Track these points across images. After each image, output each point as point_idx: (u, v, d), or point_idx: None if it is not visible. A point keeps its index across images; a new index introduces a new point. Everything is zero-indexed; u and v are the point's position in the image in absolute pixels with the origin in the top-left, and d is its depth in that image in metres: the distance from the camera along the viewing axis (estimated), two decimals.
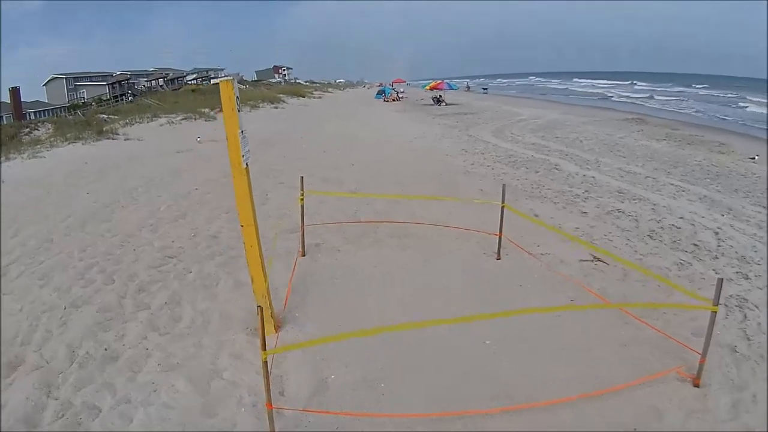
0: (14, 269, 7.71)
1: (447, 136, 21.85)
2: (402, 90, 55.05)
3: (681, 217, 9.91)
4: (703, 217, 10.01)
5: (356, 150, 18.04)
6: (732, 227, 9.46)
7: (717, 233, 9.10)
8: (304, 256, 8.03)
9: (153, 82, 52.15)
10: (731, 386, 4.85)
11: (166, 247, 8.45)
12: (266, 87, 64.16)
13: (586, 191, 11.93)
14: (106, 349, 5.47)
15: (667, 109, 42.13)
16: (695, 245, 8.53)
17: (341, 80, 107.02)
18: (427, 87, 48.93)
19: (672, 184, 12.68)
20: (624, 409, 4.52)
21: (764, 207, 10.77)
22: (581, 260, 7.74)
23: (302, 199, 7.85)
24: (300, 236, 8.16)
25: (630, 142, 20.13)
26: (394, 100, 49.39)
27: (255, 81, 75.02)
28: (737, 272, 7.49)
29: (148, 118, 27.42)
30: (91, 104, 40.37)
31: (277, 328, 5.89)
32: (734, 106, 43.94)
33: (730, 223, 9.66)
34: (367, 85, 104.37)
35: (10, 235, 9.25)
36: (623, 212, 10.26)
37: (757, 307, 6.42)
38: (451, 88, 47.48)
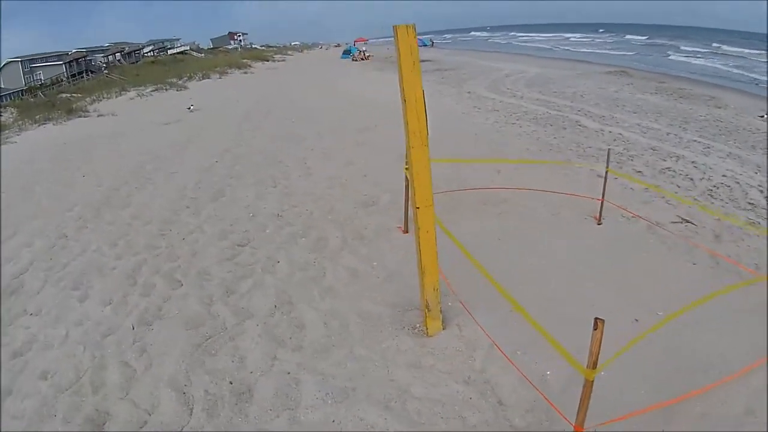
0: (32, 279, 5.82)
1: (446, 93, 20.04)
2: (364, 48, 52.57)
3: (724, 175, 9.02)
4: (741, 174, 9.13)
5: (371, 110, 16.07)
6: None
7: (762, 191, 8.25)
8: (406, 232, 6.43)
9: (110, 57, 48.12)
10: None
11: (226, 233, 6.68)
12: (224, 54, 60.41)
13: (626, 149, 10.81)
14: (231, 383, 3.81)
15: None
16: (751, 204, 7.65)
17: (296, 42, 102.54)
18: None
19: (695, 141, 11.79)
20: None
21: None
22: (672, 222, 6.79)
23: (408, 168, 6.11)
24: (403, 211, 6.58)
25: (627, 96, 19.07)
26: (362, 59, 47.05)
27: (211, 48, 70.23)
28: None
29: (116, 92, 24.69)
30: (49, 85, 36.48)
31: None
32: (663, 55, 44.18)
33: None
34: (323, 46, 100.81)
35: (6, 236, 7.20)
36: (674, 171, 9.26)
37: None
38: (423, 45, 45.43)
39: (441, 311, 4.34)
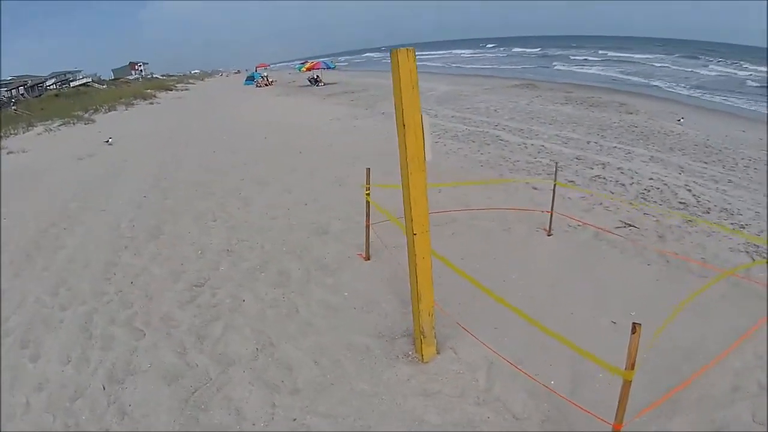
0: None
1: (360, 115, 19.98)
2: (266, 74, 52.20)
3: (651, 179, 9.78)
4: (666, 176, 9.98)
5: (292, 136, 15.79)
6: (696, 183, 9.51)
7: (690, 190, 9.07)
8: (368, 259, 6.34)
9: (13, 91, 44.25)
10: None
11: (178, 273, 6.23)
12: (126, 84, 57.50)
13: (552, 161, 11.26)
14: None
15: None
16: (682, 203, 8.39)
17: (196, 71, 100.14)
18: (303, 68, 46.58)
19: (616, 147, 12.70)
20: None
21: (704, 162, 11.18)
22: (616, 227, 7.22)
23: (368, 194, 6.05)
24: (360, 237, 6.55)
25: (539, 107, 20.06)
26: (266, 84, 46.68)
27: (113, 80, 66.55)
28: (732, 223, 7.40)
29: (23, 128, 22.53)
30: None
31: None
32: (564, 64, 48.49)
33: (693, 180, 9.75)
34: (223, 74, 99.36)
35: None
36: (604, 178, 9.88)
37: None
38: (328, 68, 45.91)
39: (435, 336, 4.30)
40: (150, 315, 5.21)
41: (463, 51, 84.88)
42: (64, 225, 8.38)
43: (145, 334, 4.88)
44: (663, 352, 4.22)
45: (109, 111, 28.70)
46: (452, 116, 18.20)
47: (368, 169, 6.01)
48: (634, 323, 2.64)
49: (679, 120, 16.82)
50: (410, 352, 4.38)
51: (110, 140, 16.33)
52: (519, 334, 4.52)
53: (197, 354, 4.51)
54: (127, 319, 5.19)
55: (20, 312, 5.53)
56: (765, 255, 6.13)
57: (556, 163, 7.47)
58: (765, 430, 3.42)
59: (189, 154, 13.86)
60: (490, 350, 4.27)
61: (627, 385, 2.82)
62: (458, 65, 58.13)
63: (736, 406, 3.63)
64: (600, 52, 60.33)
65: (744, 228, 7.03)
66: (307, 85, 40.75)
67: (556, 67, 45.30)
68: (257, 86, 46.64)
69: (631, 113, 18.09)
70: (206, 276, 6.13)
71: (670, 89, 29.24)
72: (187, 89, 52.83)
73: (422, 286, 4.00)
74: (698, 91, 28.59)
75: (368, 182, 5.95)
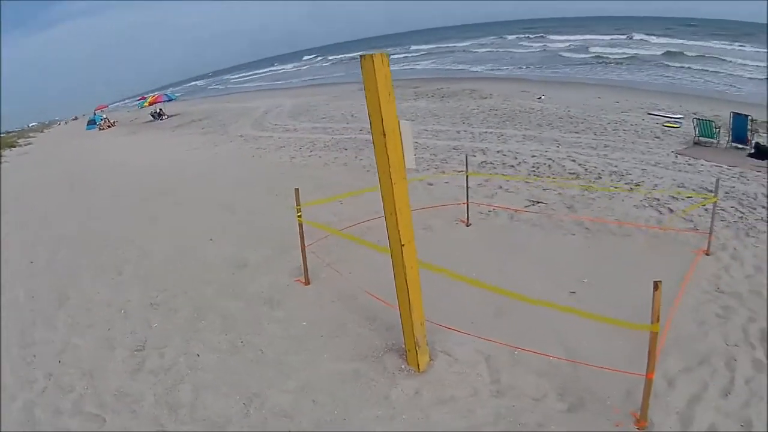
0: None
1: (218, 141, 18.77)
2: (105, 116, 48.65)
3: (533, 156, 10.53)
4: (547, 151, 10.84)
5: (160, 173, 14.20)
6: (577, 153, 10.52)
7: (574, 161, 9.96)
8: (308, 284, 6.06)
9: None
10: None
11: (110, 340, 5.43)
12: None
13: (433, 154, 11.61)
14: None
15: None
16: (572, 173, 9.18)
17: (33, 123, 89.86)
18: (146, 104, 44.06)
19: (487, 132, 13.40)
20: None
21: (576, 132, 12.41)
22: (526, 206, 7.76)
23: (300, 216, 5.82)
24: (301, 261, 6.14)
25: (398, 108, 20.48)
26: (108, 126, 43.57)
27: None
28: (626, 183, 8.37)
29: None
30: None
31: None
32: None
33: (573, 151, 10.74)
34: (61, 123, 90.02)
35: None
36: (491, 163, 10.39)
37: None
38: (170, 99, 43.96)
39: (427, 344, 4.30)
40: (100, 395, 4.47)
41: (284, 66, 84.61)
42: None
43: (105, 420, 4.18)
44: (632, 309, 4.64)
45: None
46: (313, 127, 17.92)
47: (297, 189, 5.84)
48: (655, 281, 2.94)
49: (539, 97, 18.39)
50: (403, 366, 4.31)
51: None
52: (497, 324, 4.71)
53: (178, 425, 3.99)
54: (75, 405, 4.39)
55: None
56: (667, 206, 7.09)
57: (466, 155, 7.86)
58: (737, 347, 4.00)
59: (65, 207, 12.14)
60: (484, 342, 4.39)
61: (654, 336, 3.10)
62: (287, 80, 57.52)
63: (709, 337, 4.16)
64: (413, 47, 64.19)
65: (639, 185, 8.04)
66: (151, 120, 38.72)
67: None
68: (100, 129, 43.18)
69: (485, 98, 19.12)
70: (143, 337, 5.42)
71: (506, 69, 32.51)
72: (30, 143, 46.72)
73: (414, 297, 3.97)
74: (528, 67, 32.21)
75: (298, 203, 5.75)
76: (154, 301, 6.22)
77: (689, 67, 26.45)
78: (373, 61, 3.22)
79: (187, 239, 8.08)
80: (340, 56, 73.90)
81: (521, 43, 49.88)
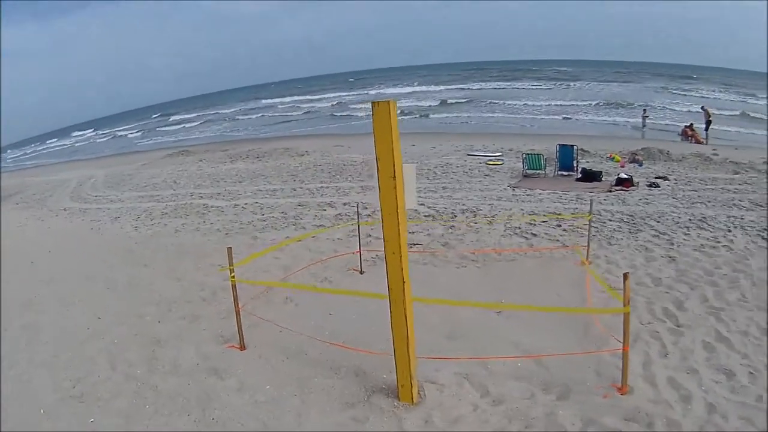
0: None
1: (43, 216, 14.80)
2: None
3: (362, 202, 11.06)
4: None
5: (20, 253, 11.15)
6: (424, 198, 11.53)
7: (423, 204, 10.84)
8: (244, 348, 5.57)
9: None
10: None
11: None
12: None
13: (283, 213, 11.69)
14: None
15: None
16: (427, 216, 10.17)
17: None
18: None
19: (324, 187, 13.90)
20: None
21: (430, 180, 13.62)
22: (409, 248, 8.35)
23: (233, 277, 5.45)
24: (218, 325, 5.91)
25: (212, 170, 19.68)
26: None
27: None
28: (484, 216, 9.86)
29: None
30: None
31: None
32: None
33: (420, 196, 11.16)
34: None
35: None
36: (347, 214, 10.85)
37: None
38: None
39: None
40: None
41: (63, 142, 75.46)
42: None
43: None
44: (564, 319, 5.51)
45: None
46: (139, 196, 16.49)
47: (230, 248, 5.52)
48: (624, 273, 3.85)
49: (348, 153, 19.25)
50: (395, 403, 4.35)
51: None
52: (455, 346, 5.17)
53: None
54: None
55: None
56: (530, 231, 8.51)
57: (357, 204, 8.29)
58: (651, 323, 5.16)
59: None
60: (456, 363, 4.76)
61: (627, 316, 4.01)
62: (79, 154, 51.30)
63: None
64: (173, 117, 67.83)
65: (494, 217, 9.40)
66: None
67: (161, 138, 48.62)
68: None
69: (302, 155, 19.79)
70: None
71: (309, 128, 35.56)
72: None
73: (411, 332, 4.17)
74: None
75: (231, 263, 5.44)
76: (72, 393, 4.94)
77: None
78: (389, 107, 3.51)
79: (77, 325, 6.51)
80: (123, 131, 68.38)
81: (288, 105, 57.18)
